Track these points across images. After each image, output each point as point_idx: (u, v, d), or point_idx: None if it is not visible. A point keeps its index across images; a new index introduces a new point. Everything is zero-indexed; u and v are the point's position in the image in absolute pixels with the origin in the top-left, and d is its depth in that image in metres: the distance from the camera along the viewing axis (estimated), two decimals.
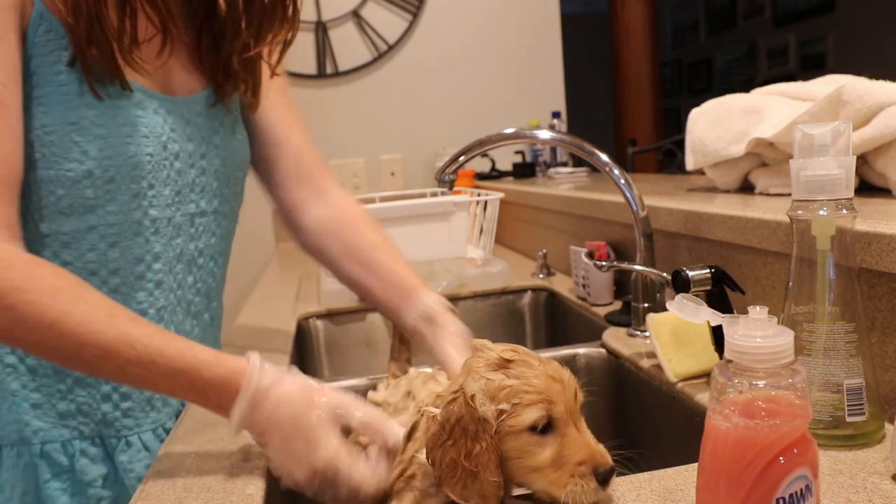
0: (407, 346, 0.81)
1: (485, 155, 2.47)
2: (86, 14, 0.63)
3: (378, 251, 0.84)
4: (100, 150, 0.68)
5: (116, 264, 0.73)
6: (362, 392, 0.87)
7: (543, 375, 0.50)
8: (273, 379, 0.59)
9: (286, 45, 0.82)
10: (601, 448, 0.50)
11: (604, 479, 0.48)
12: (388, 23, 2.43)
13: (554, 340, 1.35)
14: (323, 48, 2.40)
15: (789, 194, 0.58)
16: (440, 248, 1.41)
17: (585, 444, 0.49)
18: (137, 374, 0.59)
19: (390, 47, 2.44)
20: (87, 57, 0.65)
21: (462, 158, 1.01)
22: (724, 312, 0.44)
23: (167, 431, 0.79)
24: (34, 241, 0.71)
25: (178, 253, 0.79)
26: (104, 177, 0.69)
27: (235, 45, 0.79)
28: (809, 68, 4.88)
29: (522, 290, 1.40)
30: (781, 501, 0.39)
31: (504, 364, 0.52)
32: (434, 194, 1.77)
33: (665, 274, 0.87)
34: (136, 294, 0.75)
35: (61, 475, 0.75)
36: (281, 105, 0.90)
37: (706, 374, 0.77)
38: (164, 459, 0.67)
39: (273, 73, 0.85)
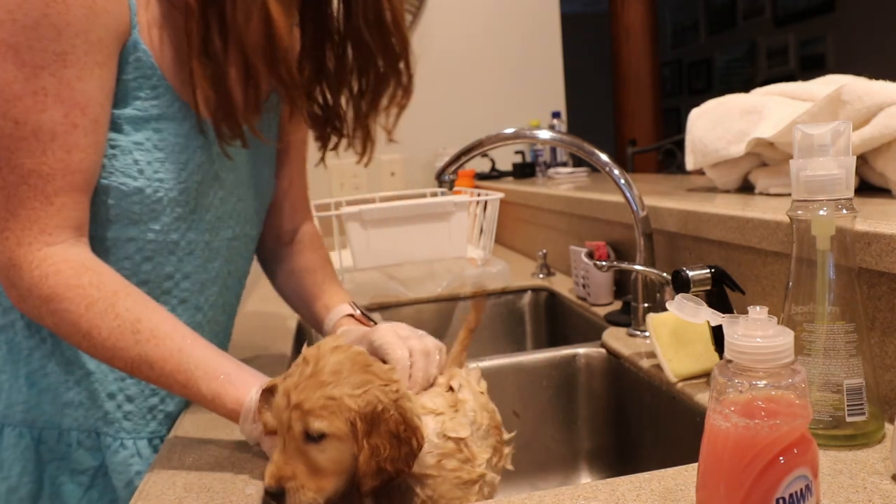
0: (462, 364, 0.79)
1: (485, 155, 2.47)
2: (221, 95, 0.70)
3: (307, 276, 0.90)
4: (154, 172, 0.71)
5: (146, 276, 0.75)
6: None
7: (285, 389, 0.56)
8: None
9: (401, 109, 0.84)
10: (272, 469, 0.55)
11: (268, 495, 0.55)
12: None
13: (554, 340, 1.35)
14: None
15: (789, 194, 0.58)
16: (440, 248, 1.41)
17: (271, 461, 0.56)
18: (159, 386, 0.67)
19: None
20: (219, 127, 0.72)
21: (462, 158, 1.01)
22: (724, 312, 0.44)
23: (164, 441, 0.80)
24: None
25: (214, 275, 0.81)
26: (153, 196, 0.72)
27: (350, 106, 0.84)
28: (809, 68, 4.88)
29: (522, 290, 1.40)
30: (781, 501, 0.39)
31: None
32: (434, 194, 1.77)
33: (665, 274, 0.87)
34: None
35: (54, 461, 0.77)
36: (297, 142, 0.95)
37: (706, 374, 0.77)
38: (164, 459, 0.67)
39: (390, 139, 0.87)
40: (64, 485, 0.77)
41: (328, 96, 0.85)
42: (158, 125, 0.71)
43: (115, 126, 0.69)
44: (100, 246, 0.72)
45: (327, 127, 0.87)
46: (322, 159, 0.90)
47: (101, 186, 0.70)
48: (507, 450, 0.69)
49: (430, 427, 0.60)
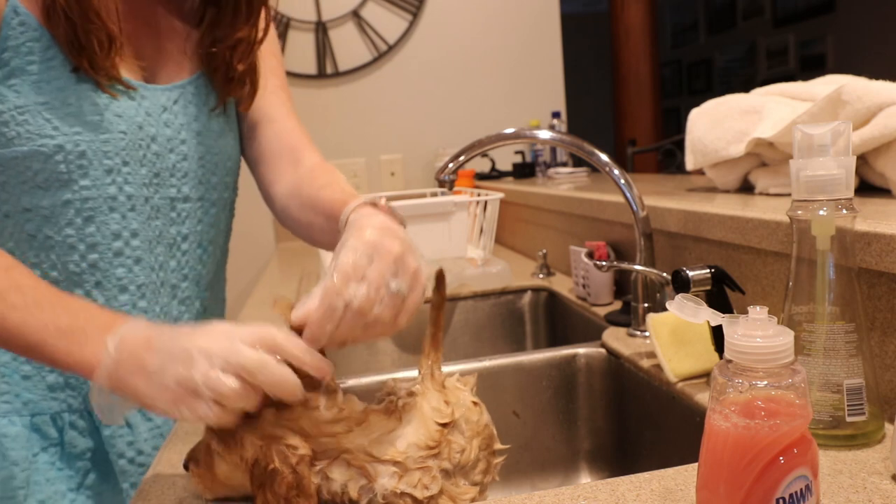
0: (438, 346, 0.70)
1: (485, 155, 2.47)
2: (65, 31, 0.71)
3: (324, 190, 0.78)
4: (70, 126, 0.72)
5: (94, 239, 0.76)
6: (363, 392, 0.87)
7: None
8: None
9: (260, 27, 0.86)
10: (195, 445, 0.57)
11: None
12: (388, 23, 2.43)
13: (554, 340, 1.35)
14: (323, 48, 2.41)
15: (789, 194, 0.58)
16: (440, 248, 1.41)
17: (205, 432, 0.57)
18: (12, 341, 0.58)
19: (390, 47, 2.44)
20: (82, 66, 0.72)
21: (462, 158, 1.01)
22: (724, 312, 0.44)
23: None
24: (18, 216, 0.74)
25: (158, 234, 0.81)
26: (75, 151, 0.73)
27: (219, 34, 0.84)
28: (809, 68, 4.88)
29: (522, 290, 1.40)
30: (781, 501, 0.39)
31: None
32: (434, 194, 1.77)
33: (665, 274, 0.87)
34: (115, 270, 0.78)
35: (50, 448, 0.77)
36: (268, 85, 0.92)
37: (706, 374, 0.77)
38: (164, 459, 0.67)
39: (261, 38, 0.87)
40: (62, 470, 0.77)
41: (220, 42, 0.85)
42: (60, 84, 0.72)
43: (15, 93, 0.70)
44: (38, 217, 0.74)
45: (220, 72, 0.86)
46: (220, 105, 0.88)
47: (23, 154, 0.71)
48: (497, 460, 0.62)
49: (384, 484, 0.53)
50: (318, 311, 0.52)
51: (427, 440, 0.55)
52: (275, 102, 0.93)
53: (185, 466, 0.57)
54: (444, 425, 0.56)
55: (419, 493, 0.53)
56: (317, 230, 0.78)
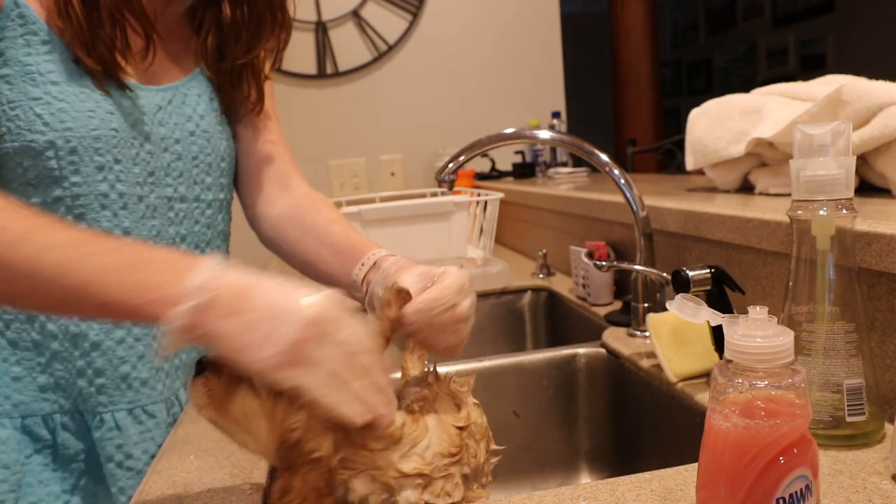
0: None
1: (485, 155, 2.47)
2: (84, 28, 0.71)
3: (333, 224, 0.83)
4: (61, 122, 0.72)
5: None
6: None
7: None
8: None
9: (279, 49, 0.90)
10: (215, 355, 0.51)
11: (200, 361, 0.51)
12: (388, 23, 2.43)
13: (554, 340, 1.35)
14: (323, 48, 2.40)
15: (789, 194, 0.58)
16: (440, 248, 1.41)
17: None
18: (67, 297, 0.51)
19: (390, 47, 2.44)
20: (87, 64, 0.73)
21: (462, 158, 1.01)
22: (724, 312, 0.44)
23: (146, 412, 0.80)
24: None
25: (156, 234, 0.81)
26: (66, 147, 0.72)
27: (237, 50, 0.86)
28: (809, 68, 4.88)
29: (522, 290, 1.40)
30: (781, 501, 0.39)
31: None
32: (434, 194, 1.77)
33: (665, 274, 0.87)
34: None
35: (44, 450, 0.77)
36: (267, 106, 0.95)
37: (706, 374, 0.77)
38: (164, 459, 0.67)
39: (266, 77, 0.91)
40: (56, 471, 0.77)
41: (224, 48, 0.87)
42: (55, 78, 0.72)
43: (9, 87, 0.70)
44: None
45: (225, 80, 0.88)
46: (223, 111, 0.90)
47: (13, 151, 0.71)
48: (494, 461, 0.61)
49: (407, 496, 0.51)
50: (433, 292, 0.59)
51: (450, 447, 0.53)
52: (267, 124, 0.95)
53: (199, 365, 0.50)
54: (461, 429, 0.55)
55: (442, 502, 0.52)
56: (319, 259, 0.82)
